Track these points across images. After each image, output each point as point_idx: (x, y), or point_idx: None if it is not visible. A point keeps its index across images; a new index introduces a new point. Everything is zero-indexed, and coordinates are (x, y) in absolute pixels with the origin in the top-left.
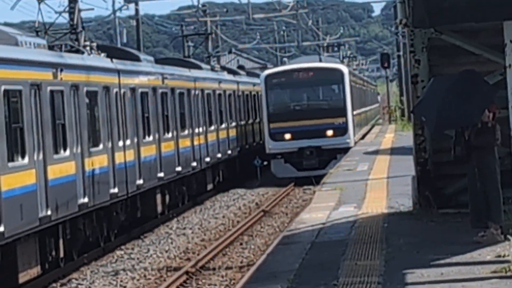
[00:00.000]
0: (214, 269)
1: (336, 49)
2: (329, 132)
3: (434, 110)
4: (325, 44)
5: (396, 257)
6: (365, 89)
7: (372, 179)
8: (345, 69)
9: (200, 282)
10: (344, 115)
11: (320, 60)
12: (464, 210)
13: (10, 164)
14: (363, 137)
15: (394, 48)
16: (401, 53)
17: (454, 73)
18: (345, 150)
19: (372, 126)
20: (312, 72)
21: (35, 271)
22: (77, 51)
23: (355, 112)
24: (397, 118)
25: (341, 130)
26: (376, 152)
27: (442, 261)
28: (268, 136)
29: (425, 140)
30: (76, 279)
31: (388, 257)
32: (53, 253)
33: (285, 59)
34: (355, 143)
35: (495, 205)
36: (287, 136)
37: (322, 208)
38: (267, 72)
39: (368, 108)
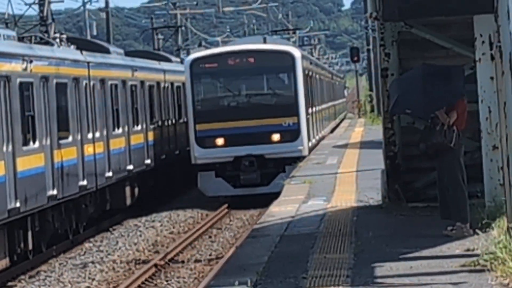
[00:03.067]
0: (183, 262)
1: (306, 42)
2: (275, 137)
3: (417, 98)
4: (294, 39)
5: (365, 250)
6: (327, 80)
7: (341, 172)
8: (296, 53)
9: (168, 275)
10: (296, 113)
11: (265, 41)
12: (433, 203)
13: None
14: (331, 132)
15: (364, 42)
16: (370, 47)
17: (414, 68)
18: (297, 160)
19: (336, 126)
20: (253, 56)
21: (3, 263)
22: (47, 43)
23: (311, 110)
24: (366, 112)
25: (291, 134)
26: (345, 146)
27: (411, 255)
28: (194, 141)
29: (394, 134)
30: (45, 271)
31: (357, 250)
32: (22, 245)
33: (218, 38)
34: (310, 150)
35: (460, 205)
36: (219, 141)
37: (291, 201)
38: (193, 55)
39: (330, 103)
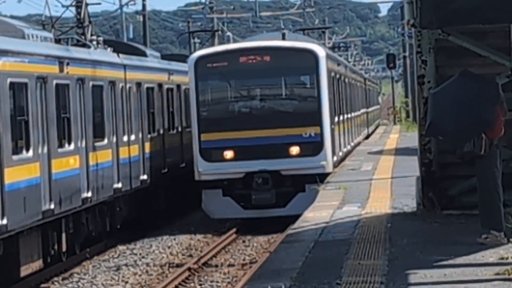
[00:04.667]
0: (216, 266)
1: (342, 48)
2: (294, 150)
3: (447, 126)
4: (331, 44)
5: (399, 257)
6: (359, 85)
7: (376, 179)
8: (320, 51)
9: (202, 279)
10: (318, 122)
11: (284, 38)
12: (468, 211)
13: (15, 157)
14: (366, 138)
15: (400, 48)
16: (407, 53)
17: (451, 80)
18: (319, 177)
19: (368, 136)
20: (269, 54)
21: (37, 264)
22: (84, 45)
23: (337, 119)
24: (402, 119)
25: (313, 146)
26: (380, 152)
27: (445, 262)
28: (198, 153)
29: (430, 141)
30: (78, 274)
31: (391, 257)
32: (56, 247)
33: (229, 33)
34: (335, 166)
35: (494, 213)
36: (228, 154)
37: (326, 207)
38: (198, 53)
39: (361, 111)
